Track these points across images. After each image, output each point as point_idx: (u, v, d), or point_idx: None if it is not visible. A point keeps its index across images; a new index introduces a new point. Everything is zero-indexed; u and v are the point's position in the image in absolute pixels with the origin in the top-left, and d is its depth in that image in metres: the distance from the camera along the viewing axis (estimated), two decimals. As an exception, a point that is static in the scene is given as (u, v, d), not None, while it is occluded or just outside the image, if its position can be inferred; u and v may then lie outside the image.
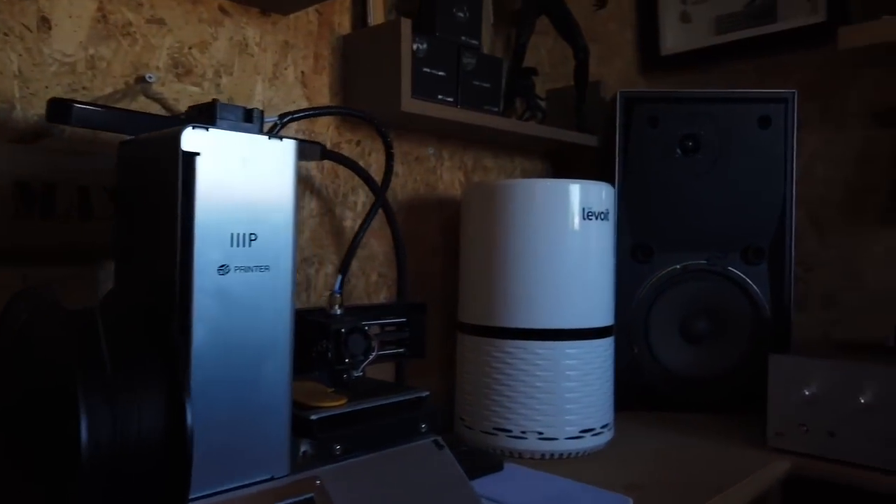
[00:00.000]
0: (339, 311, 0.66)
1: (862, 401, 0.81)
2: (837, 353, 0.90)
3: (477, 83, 1.07)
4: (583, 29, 1.29)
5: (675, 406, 1.11)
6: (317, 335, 0.63)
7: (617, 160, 1.12)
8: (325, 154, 0.83)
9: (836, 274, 1.22)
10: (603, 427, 0.90)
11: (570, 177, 1.33)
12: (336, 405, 0.61)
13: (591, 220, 0.89)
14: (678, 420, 1.08)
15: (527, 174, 1.39)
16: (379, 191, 0.93)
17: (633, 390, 1.10)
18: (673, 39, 1.38)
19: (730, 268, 1.12)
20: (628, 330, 1.11)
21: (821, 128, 1.24)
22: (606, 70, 1.40)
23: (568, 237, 0.88)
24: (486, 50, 1.19)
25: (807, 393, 0.85)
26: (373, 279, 1.12)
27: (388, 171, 0.91)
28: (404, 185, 1.17)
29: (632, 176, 1.12)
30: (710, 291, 1.12)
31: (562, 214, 0.88)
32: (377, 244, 1.12)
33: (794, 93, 1.10)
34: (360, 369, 0.64)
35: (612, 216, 0.94)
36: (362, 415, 0.62)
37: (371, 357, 0.65)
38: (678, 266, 1.12)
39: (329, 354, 0.63)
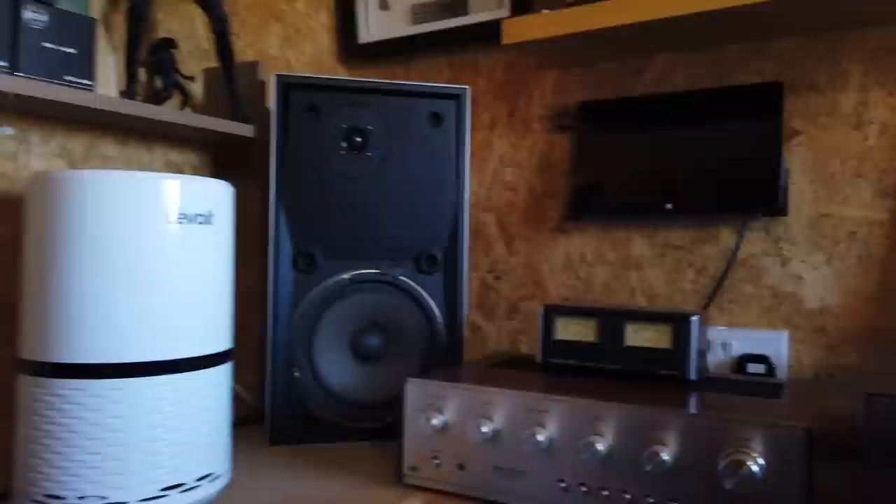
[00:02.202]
0: None
1: (484, 430, 0.73)
2: (472, 375, 0.80)
3: (50, 46, 0.84)
4: (263, 6, 1.12)
5: (343, 434, 0.97)
6: None
7: (272, 154, 0.95)
8: None
9: (522, 282, 1.16)
10: (201, 479, 0.71)
11: (231, 173, 1.16)
12: None
13: (188, 224, 0.72)
14: (332, 454, 0.92)
15: (171, 168, 1.15)
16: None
17: (293, 421, 0.94)
18: (373, 27, 1.27)
19: (402, 277, 1.00)
20: (288, 351, 0.96)
21: (508, 130, 1.19)
22: (293, 55, 1.22)
23: (153, 246, 0.68)
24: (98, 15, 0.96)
25: (435, 422, 0.75)
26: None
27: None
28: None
29: (291, 173, 0.96)
30: (382, 304, 0.99)
31: (144, 217, 0.67)
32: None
33: (465, 89, 1.01)
34: None
35: (224, 219, 0.75)
36: None
37: None
38: (346, 276, 0.98)
39: None
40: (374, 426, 0.95)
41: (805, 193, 0.94)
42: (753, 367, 0.91)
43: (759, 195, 0.93)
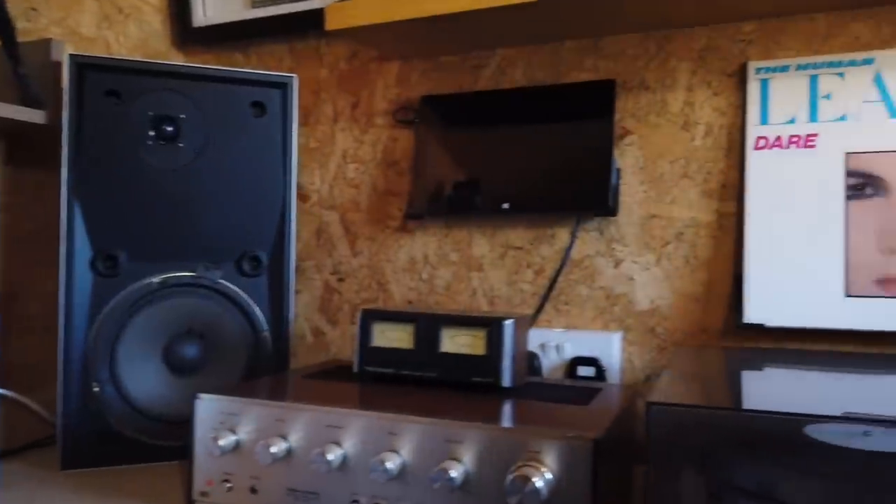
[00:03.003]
0: None
1: (273, 450, 0.66)
2: (274, 389, 0.72)
3: None
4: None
5: (149, 454, 0.87)
6: None
7: (64, 143, 0.84)
8: None
9: (366, 284, 1.11)
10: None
11: (26, 164, 1.02)
12: None
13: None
14: (131, 476, 0.81)
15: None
16: None
17: (90, 441, 0.83)
18: (210, 9, 1.17)
19: (222, 280, 0.92)
20: (85, 363, 0.86)
21: (352, 124, 1.12)
22: (113, 36, 1.10)
23: None
24: None
25: (224, 442, 0.68)
26: None
27: None
28: None
29: (88, 164, 0.85)
30: (199, 310, 0.90)
31: None
32: None
33: (292, 77, 0.93)
34: None
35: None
36: None
37: None
38: (155, 279, 0.89)
39: None
40: (185, 444, 0.87)
41: (636, 194, 0.93)
42: (584, 370, 0.89)
43: (592, 195, 0.91)
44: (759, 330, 0.84)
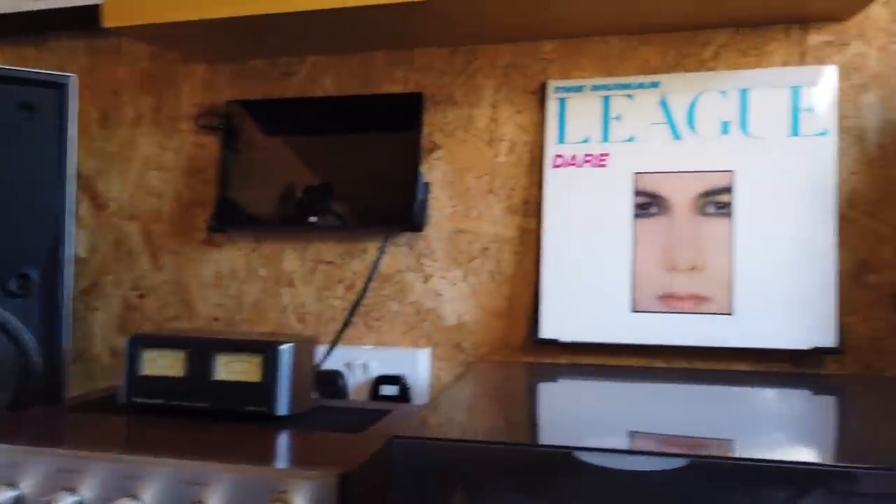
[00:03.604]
0: None
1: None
2: (17, 426, 0.62)
3: None
4: None
5: None
6: None
7: None
8: None
9: (169, 301, 1.03)
10: None
11: None
12: None
13: None
14: None
15: None
16: None
17: None
18: (-6, -1, 1.06)
19: (-16, 302, 0.83)
20: None
21: (155, 129, 1.02)
22: None
23: None
24: None
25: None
26: None
27: None
28: None
29: None
30: (-44, 334, 0.82)
31: None
32: None
33: (70, 77, 0.85)
34: None
35: None
36: None
37: None
38: None
39: None
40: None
41: (445, 208, 0.92)
42: (387, 389, 0.87)
43: (401, 210, 0.89)
44: (555, 345, 0.85)
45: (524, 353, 0.87)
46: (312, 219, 0.90)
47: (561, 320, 0.84)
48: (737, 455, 0.48)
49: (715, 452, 0.52)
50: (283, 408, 0.67)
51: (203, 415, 0.69)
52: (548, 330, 0.84)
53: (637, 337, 0.82)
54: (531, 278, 0.87)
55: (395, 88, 0.92)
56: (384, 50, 0.93)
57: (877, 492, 0.43)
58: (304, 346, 0.71)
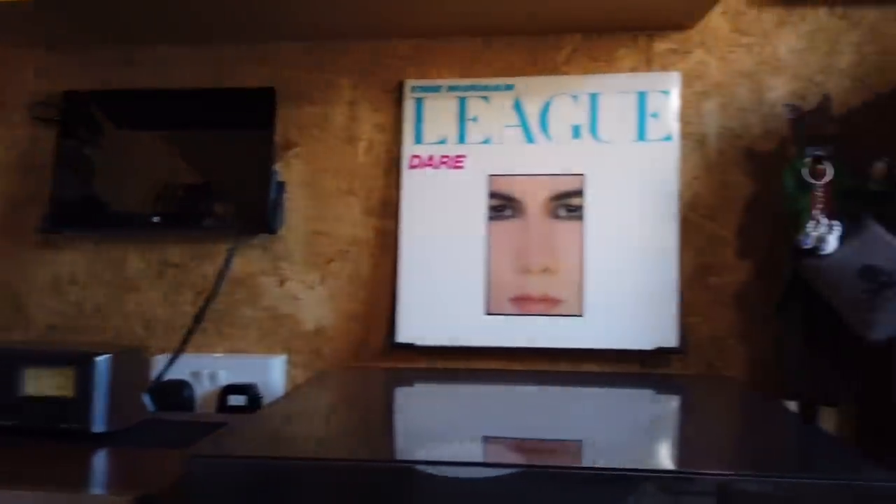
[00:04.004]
0: None
1: None
2: None
3: None
4: None
5: None
6: None
7: None
8: None
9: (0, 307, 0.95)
10: None
11: None
12: None
13: None
14: None
15: None
16: None
17: None
18: None
19: None
20: None
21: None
22: None
23: None
24: None
25: None
26: None
27: None
28: None
29: None
30: None
31: None
32: None
33: None
34: None
35: None
36: None
37: None
38: None
39: None
40: None
41: (301, 209, 0.88)
42: (235, 399, 0.83)
43: (253, 210, 0.85)
44: (412, 349, 0.83)
45: (383, 358, 0.85)
46: (156, 219, 0.84)
47: (418, 324, 0.82)
48: (570, 464, 0.48)
49: (556, 457, 0.52)
50: (99, 424, 0.61)
51: (13, 433, 0.63)
52: (405, 334, 0.82)
53: (492, 339, 0.81)
54: (390, 281, 0.85)
55: (250, 83, 0.88)
56: (238, 43, 0.88)
57: (705, 492, 0.44)
58: (129, 356, 0.66)
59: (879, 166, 0.65)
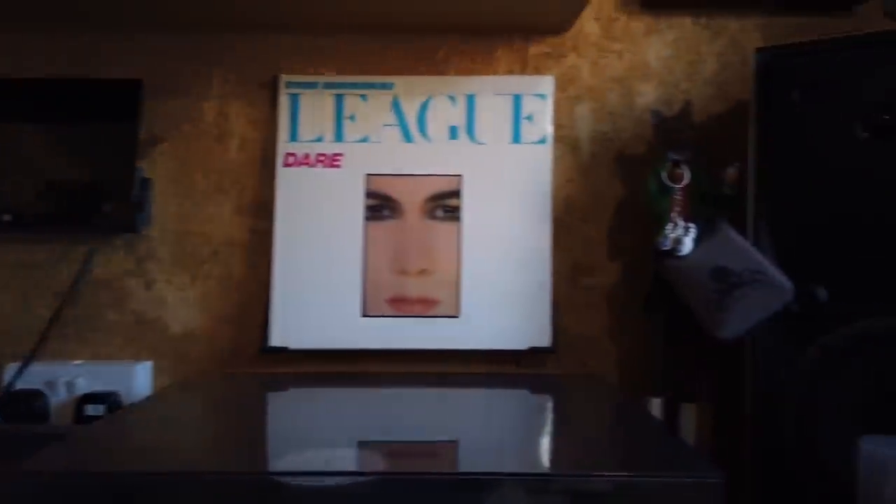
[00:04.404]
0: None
1: None
2: None
3: None
4: None
5: None
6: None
7: None
8: None
9: None
10: None
11: None
12: None
13: None
14: None
15: None
16: None
17: None
18: None
19: None
20: None
21: None
22: None
23: None
24: None
25: None
26: None
27: None
28: None
29: None
30: None
31: None
32: None
33: None
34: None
35: None
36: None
37: None
38: None
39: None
40: None
41: (170, 208, 0.83)
42: (93, 409, 0.78)
43: (117, 208, 0.80)
44: (286, 353, 0.81)
45: (255, 363, 0.82)
46: (6, 217, 0.78)
47: (292, 327, 0.79)
48: (432, 470, 0.47)
49: (423, 463, 0.51)
50: (-80, 441, 0.56)
51: None
52: (277, 337, 0.79)
53: (369, 342, 0.79)
54: (264, 283, 0.82)
55: (116, 74, 0.83)
56: (109, 31, 0.83)
57: (566, 490, 0.44)
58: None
59: (731, 171, 0.68)
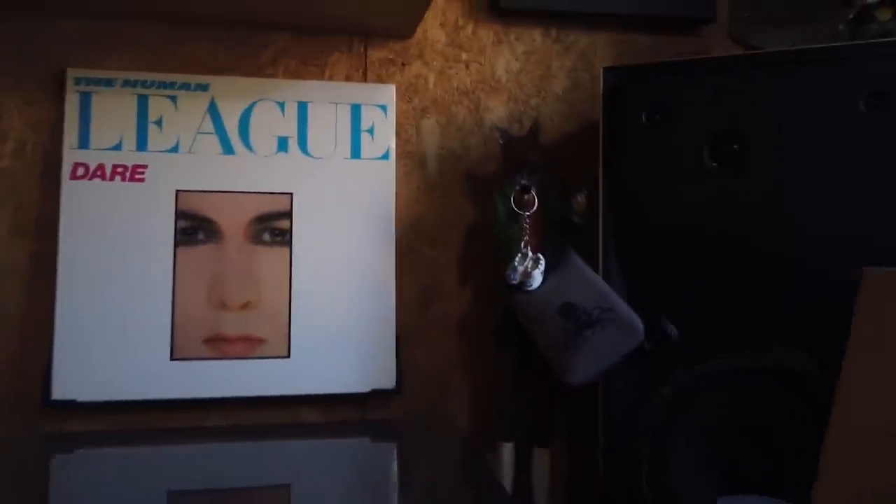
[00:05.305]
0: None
1: None
2: None
3: None
4: None
5: None
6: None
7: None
8: None
9: None
10: None
11: None
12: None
13: None
14: None
15: None
16: None
17: None
18: None
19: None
20: None
21: None
22: None
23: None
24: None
25: None
26: None
27: None
28: None
29: None
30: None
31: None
32: None
33: None
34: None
35: None
36: None
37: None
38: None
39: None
40: None
41: (-82, 228, 0.68)
42: None
43: None
44: (73, 406, 0.66)
45: (39, 419, 0.67)
46: None
47: (80, 375, 0.65)
48: None
49: None
50: None
51: None
52: (62, 388, 0.65)
53: (180, 390, 0.66)
54: (49, 320, 0.67)
55: None
56: None
57: None
58: None
59: (580, 199, 0.63)
